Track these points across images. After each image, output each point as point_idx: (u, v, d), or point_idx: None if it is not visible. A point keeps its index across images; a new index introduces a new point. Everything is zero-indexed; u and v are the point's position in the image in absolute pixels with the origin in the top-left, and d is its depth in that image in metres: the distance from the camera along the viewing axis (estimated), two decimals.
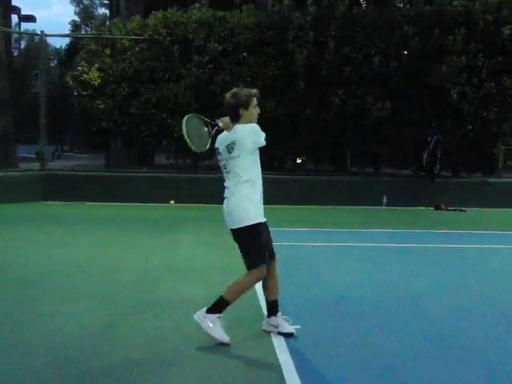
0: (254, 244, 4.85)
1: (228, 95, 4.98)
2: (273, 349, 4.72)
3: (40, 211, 13.60)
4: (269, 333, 5.08)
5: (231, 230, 4.96)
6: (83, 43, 16.66)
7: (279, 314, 5.14)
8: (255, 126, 4.85)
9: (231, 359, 4.54)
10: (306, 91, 15.55)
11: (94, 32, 18.12)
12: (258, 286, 6.80)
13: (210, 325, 4.76)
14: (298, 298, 6.31)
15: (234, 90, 5.04)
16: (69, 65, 19.78)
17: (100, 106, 15.58)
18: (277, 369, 4.33)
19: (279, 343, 4.84)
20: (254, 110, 4.96)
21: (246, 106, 4.90)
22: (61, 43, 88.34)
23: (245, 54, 15.57)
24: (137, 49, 15.73)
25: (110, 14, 27.16)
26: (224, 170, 4.97)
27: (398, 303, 6.29)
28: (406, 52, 15.95)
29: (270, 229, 5.09)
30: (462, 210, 15.03)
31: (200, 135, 5.18)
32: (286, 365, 4.40)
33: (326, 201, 15.27)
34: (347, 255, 9.01)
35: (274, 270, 5.13)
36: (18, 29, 42.94)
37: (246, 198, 4.85)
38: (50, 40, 68.56)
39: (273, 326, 5.10)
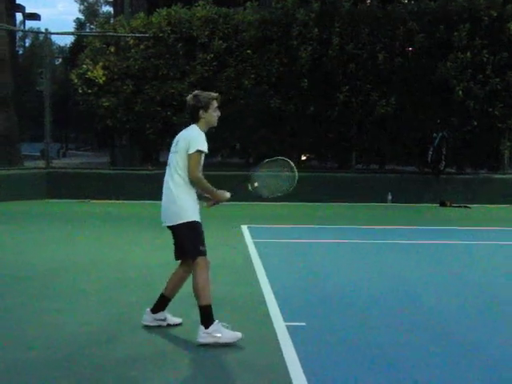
0: (196, 237, 4.91)
1: (189, 97, 5.08)
2: (278, 345, 4.72)
3: (45, 209, 13.63)
4: (273, 329, 5.09)
5: (174, 225, 4.96)
6: (87, 41, 16.67)
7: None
8: (201, 135, 4.92)
9: (236, 355, 4.54)
10: (311, 88, 15.53)
11: (98, 30, 18.10)
12: (262, 279, 6.85)
13: (218, 335, 4.75)
14: (301, 295, 6.31)
15: (196, 91, 5.13)
16: (73, 63, 19.81)
17: (105, 104, 15.59)
18: (282, 365, 4.33)
19: (284, 340, 4.84)
20: (214, 113, 5.04)
21: (206, 108, 4.98)
22: (65, 41, 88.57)
23: (249, 51, 15.56)
24: (141, 46, 15.74)
25: (114, 12, 27.13)
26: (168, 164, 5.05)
27: (402, 299, 6.28)
28: (410, 48, 15.92)
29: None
30: (467, 207, 14.99)
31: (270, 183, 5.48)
32: (291, 361, 4.40)
33: (330, 198, 15.27)
34: (352, 252, 9.00)
35: (189, 273, 5.13)
36: (22, 27, 43.04)
37: (187, 194, 4.93)
38: (54, 38, 68.42)
39: (161, 320, 5.19)
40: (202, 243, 4.94)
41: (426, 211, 14.52)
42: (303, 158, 18.62)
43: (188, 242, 4.94)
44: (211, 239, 9.64)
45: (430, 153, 15.84)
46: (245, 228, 10.59)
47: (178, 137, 5.05)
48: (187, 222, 4.90)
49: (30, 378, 4.10)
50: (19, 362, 4.34)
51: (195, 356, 4.55)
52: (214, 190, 5.02)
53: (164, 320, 5.21)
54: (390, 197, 15.55)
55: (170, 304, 5.24)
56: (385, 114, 15.44)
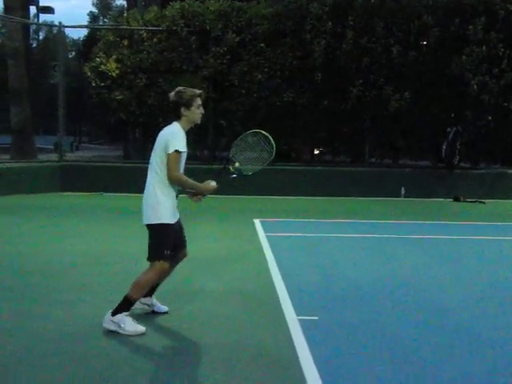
0: (163, 240, 4.87)
1: (172, 93, 4.97)
2: (290, 339, 4.71)
3: (58, 202, 13.68)
4: (286, 323, 5.07)
5: (146, 224, 4.93)
6: (101, 34, 16.71)
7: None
8: (179, 134, 4.83)
9: (248, 350, 4.53)
10: (324, 82, 15.48)
11: (111, 23, 18.13)
12: (275, 273, 6.83)
13: (121, 325, 4.77)
14: (314, 289, 6.29)
15: (179, 88, 5.01)
16: (87, 56, 19.86)
17: (118, 97, 15.63)
18: (294, 359, 4.32)
19: (296, 334, 4.83)
20: (198, 110, 4.93)
21: (188, 105, 4.88)
22: (79, 34, 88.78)
23: (262, 45, 15.53)
24: (154, 40, 15.76)
25: (127, 5, 27.15)
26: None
27: (415, 294, 6.23)
28: (425, 42, 15.80)
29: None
30: (481, 202, 14.90)
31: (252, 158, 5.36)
32: (303, 355, 4.38)
33: (343, 192, 15.23)
34: (364, 247, 8.95)
35: (180, 261, 5.24)
36: (36, 20, 43.16)
37: (164, 193, 4.87)
38: (68, 31, 68.65)
39: (147, 304, 5.21)
40: (168, 247, 4.89)
41: (440, 206, 14.43)
42: (316, 151, 18.61)
43: (153, 243, 4.90)
44: (224, 233, 9.72)
45: (444, 147, 15.75)
46: (257, 222, 10.58)
47: (159, 134, 4.96)
48: (157, 224, 4.85)
49: (41, 372, 4.10)
50: (30, 355, 4.35)
51: (207, 350, 4.54)
52: (198, 184, 4.97)
53: (150, 306, 5.24)
54: (403, 191, 15.48)
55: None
56: (398, 108, 15.35)
